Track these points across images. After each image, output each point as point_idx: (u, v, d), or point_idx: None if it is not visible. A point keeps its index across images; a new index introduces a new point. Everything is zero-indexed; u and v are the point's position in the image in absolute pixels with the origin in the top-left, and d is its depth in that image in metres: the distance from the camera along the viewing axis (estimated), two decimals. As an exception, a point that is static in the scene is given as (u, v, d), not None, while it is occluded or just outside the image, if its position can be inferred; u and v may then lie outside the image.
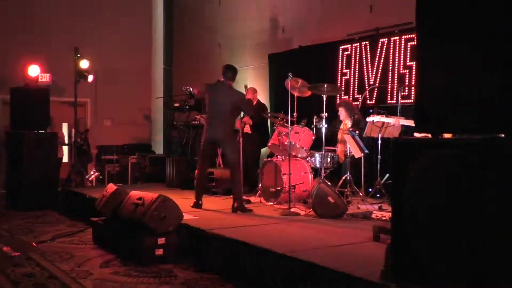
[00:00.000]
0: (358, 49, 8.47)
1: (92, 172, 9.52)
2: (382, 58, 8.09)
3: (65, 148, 11.22)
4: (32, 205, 8.70)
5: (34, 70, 9.52)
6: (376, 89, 8.10)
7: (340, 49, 8.75)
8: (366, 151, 6.52)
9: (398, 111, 6.97)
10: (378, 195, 6.92)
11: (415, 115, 3.05)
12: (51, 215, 8.38)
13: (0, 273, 4.88)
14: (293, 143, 6.93)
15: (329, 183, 6.21)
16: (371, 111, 7.29)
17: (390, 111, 7.14)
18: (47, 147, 9.13)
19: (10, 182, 9.41)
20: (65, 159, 11.22)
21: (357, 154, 6.52)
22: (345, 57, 8.70)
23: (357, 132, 6.86)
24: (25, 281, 4.63)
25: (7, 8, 11.48)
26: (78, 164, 9.71)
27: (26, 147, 8.93)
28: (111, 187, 6.25)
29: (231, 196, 7.62)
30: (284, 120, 7.20)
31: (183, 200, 7.18)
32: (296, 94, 7.48)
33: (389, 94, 7.94)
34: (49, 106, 9.48)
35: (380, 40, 8.14)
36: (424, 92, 2.94)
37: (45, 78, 11.34)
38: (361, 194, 6.78)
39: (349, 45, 8.61)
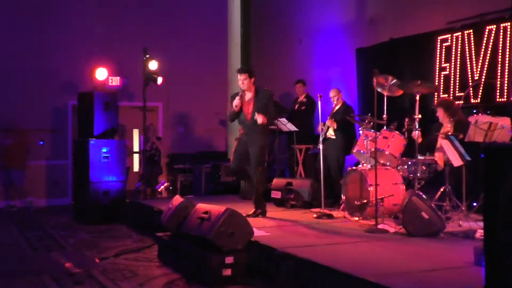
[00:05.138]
0: (459, 39, 8.07)
1: (161, 183, 9.72)
2: (489, 49, 7.63)
3: (135, 157, 11.56)
4: (99, 218, 9.03)
5: (102, 74, 9.88)
6: (481, 85, 7.66)
7: (438, 40, 8.37)
8: (468, 159, 6.14)
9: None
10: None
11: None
12: (118, 228, 8.64)
13: (59, 292, 5.07)
14: (381, 149, 6.70)
15: (423, 196, 5.92)
16: (475, 111, 6.90)
17: (500, 110, 6.71)
18: (114, 156, 9.44)
19: (77, 193, 9.81)
20: (135, 168, 11.56)
21: (456, 162, 6.16)
22: (444, 49, 8.31)
23: (460, 136, 6.50)
24: (83, 300, 4.78)
25: (77, 10, 12.05)
26: (148, 174, 9.94)
27: (92, 156, 9.27)
28: (177, 199, 6.32)
29: (311, 209, 7.58)
30: (371, 124, 6.98)
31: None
32: (385, 93, 7.25)
33: (498, 90, 7.48)
34: (118, 112, 9.82)
35: (487, 27, 7.70)
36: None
37: (115, 81, 11.79)
38: (463, 208, 6.41)
39: (449, 35, 8.22)
